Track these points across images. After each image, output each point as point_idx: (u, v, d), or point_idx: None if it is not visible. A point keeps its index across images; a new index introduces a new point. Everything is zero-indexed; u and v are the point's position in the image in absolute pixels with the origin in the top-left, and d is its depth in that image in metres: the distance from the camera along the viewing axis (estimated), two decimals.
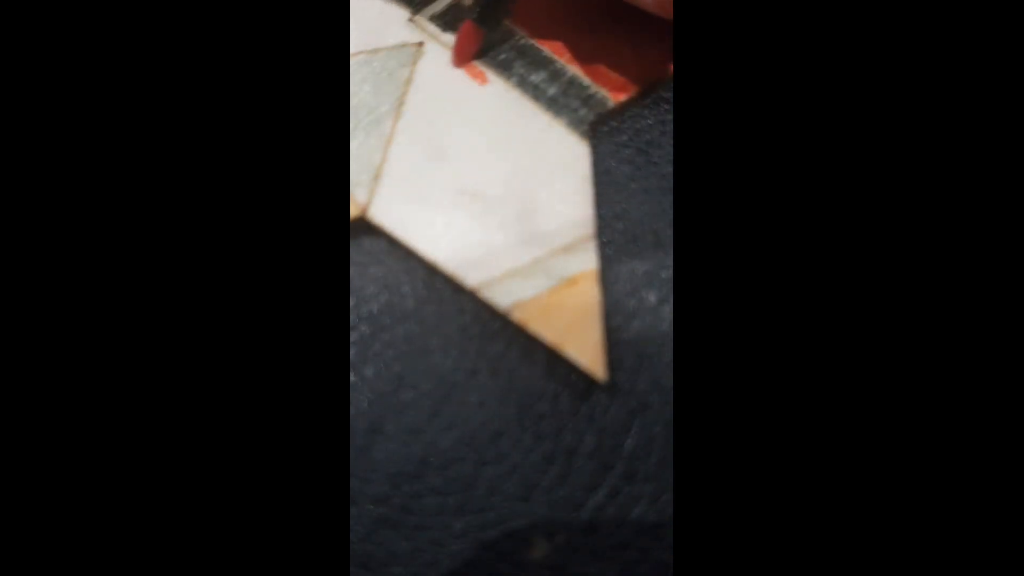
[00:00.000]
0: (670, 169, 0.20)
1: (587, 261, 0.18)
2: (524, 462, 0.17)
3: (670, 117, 0.21)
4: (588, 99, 0.20)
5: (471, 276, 0.18)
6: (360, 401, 0.17)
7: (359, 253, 0.19)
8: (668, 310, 0.18)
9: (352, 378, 0.17)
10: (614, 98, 0.20)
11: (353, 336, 0.18)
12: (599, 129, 0.20)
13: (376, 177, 0.18)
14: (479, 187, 0.19)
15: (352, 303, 0.18)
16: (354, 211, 0.18)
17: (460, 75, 0.20)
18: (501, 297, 0.18)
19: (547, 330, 0.17)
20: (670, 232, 0.19)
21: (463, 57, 0.20)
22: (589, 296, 0.18)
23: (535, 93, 0.20)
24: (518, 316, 0.17)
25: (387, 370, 0.18)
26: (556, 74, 0.20)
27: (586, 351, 0.17)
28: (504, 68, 0.20)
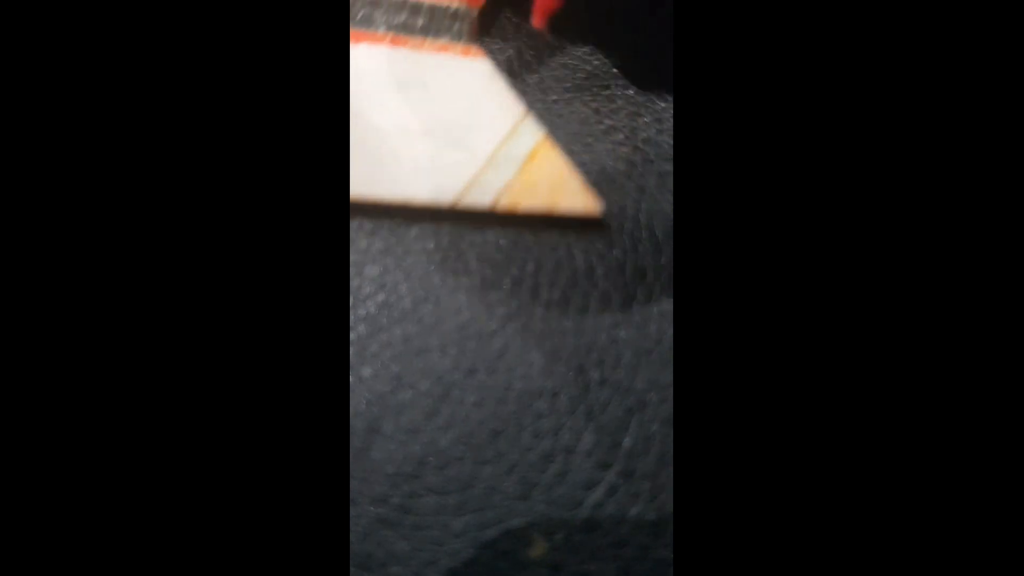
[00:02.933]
0: (668, 167, 0.20)
1: (535, 134, 0.20)
2: (522, 461, 0.17)
3: (669, 116, 0.21)
4: (455, 15, 0.22)
5: (445, 194, 0.19)
6: (358, 402, 0.17)
7: (356, 253, 0.19)
8: (668, 308, 0.18)
9: (350, 379, 0.17)
10: (473, 5, 0.22)
11: (351, 337, 0.18)
12: (481, 37, 0.22)
13: None
14: (408, 124, 0.20)
15: (350, 304, 0.18)
16: None
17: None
18: (481, 196, 0.19)
19: (535, 201, 0.19)
20: (670, 232, 0.19)
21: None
22: (553, 158, 0.20)
23: (409, 31, 0.22)
24: (504, 204, 0.19)
25: (385, 370, 0.18)
26: (416, 8, 0.22)
27: (577, 197, 0.19)
28: (371, 24, 0.22)
